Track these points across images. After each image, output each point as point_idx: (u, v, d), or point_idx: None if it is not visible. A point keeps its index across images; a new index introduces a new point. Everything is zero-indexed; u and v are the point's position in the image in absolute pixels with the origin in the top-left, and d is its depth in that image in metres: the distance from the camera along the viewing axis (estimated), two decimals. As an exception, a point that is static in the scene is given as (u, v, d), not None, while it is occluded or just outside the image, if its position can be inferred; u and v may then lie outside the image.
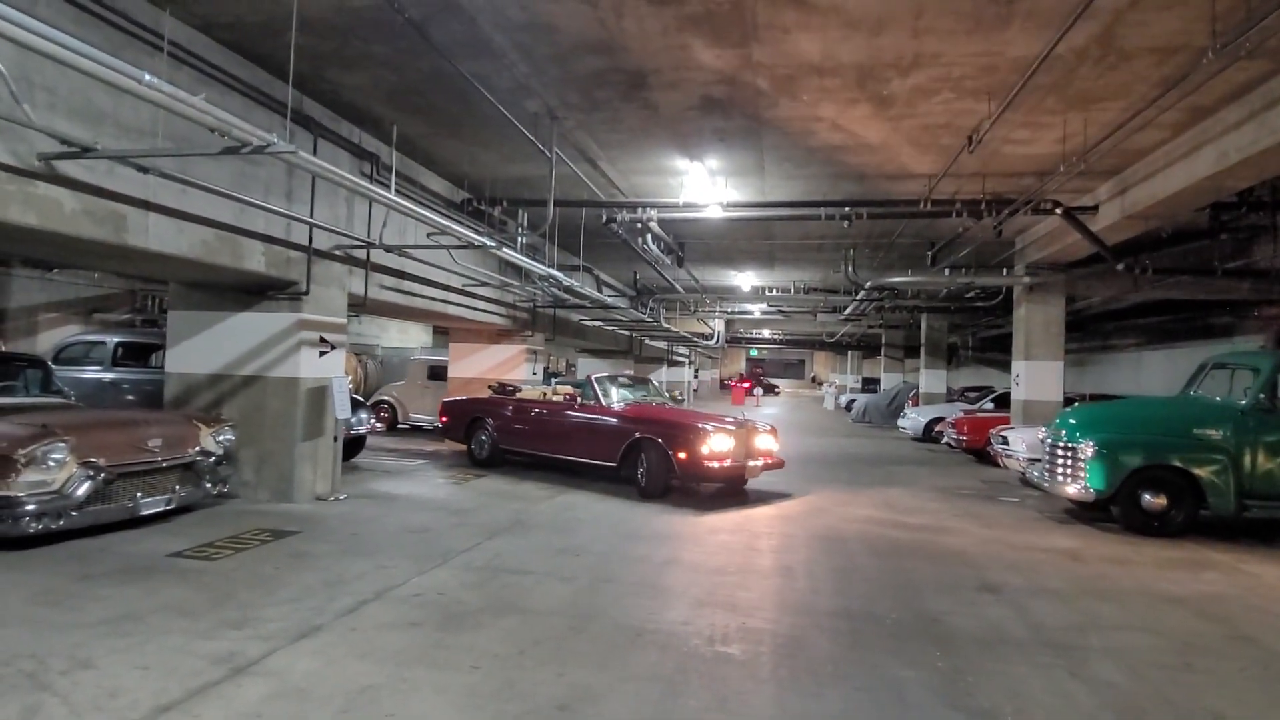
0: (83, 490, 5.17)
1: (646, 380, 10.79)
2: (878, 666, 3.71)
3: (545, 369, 23.88)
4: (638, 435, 8.43)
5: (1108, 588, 5.34)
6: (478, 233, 8.48)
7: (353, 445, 10.35)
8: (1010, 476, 10.76)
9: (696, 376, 42.72)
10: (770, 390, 49.18)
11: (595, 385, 9.34)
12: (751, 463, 8.40)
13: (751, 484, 9.23)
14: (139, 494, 5.67)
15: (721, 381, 55.53)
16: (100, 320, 16.17)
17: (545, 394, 10.36)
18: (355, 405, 10.33)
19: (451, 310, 10.49)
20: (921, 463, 13.12)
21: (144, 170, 5.04)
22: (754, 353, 51.36)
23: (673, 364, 30.74)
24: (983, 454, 12.76)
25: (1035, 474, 8.68)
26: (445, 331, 17.21)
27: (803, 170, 8.99)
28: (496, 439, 10.21)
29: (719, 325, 26.52)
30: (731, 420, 8.73)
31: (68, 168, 4.85)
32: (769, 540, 6.45)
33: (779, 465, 8.98)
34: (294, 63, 6.45)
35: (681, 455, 7.97)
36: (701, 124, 7.58)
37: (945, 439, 14.92)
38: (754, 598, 4.77)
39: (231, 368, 7.36)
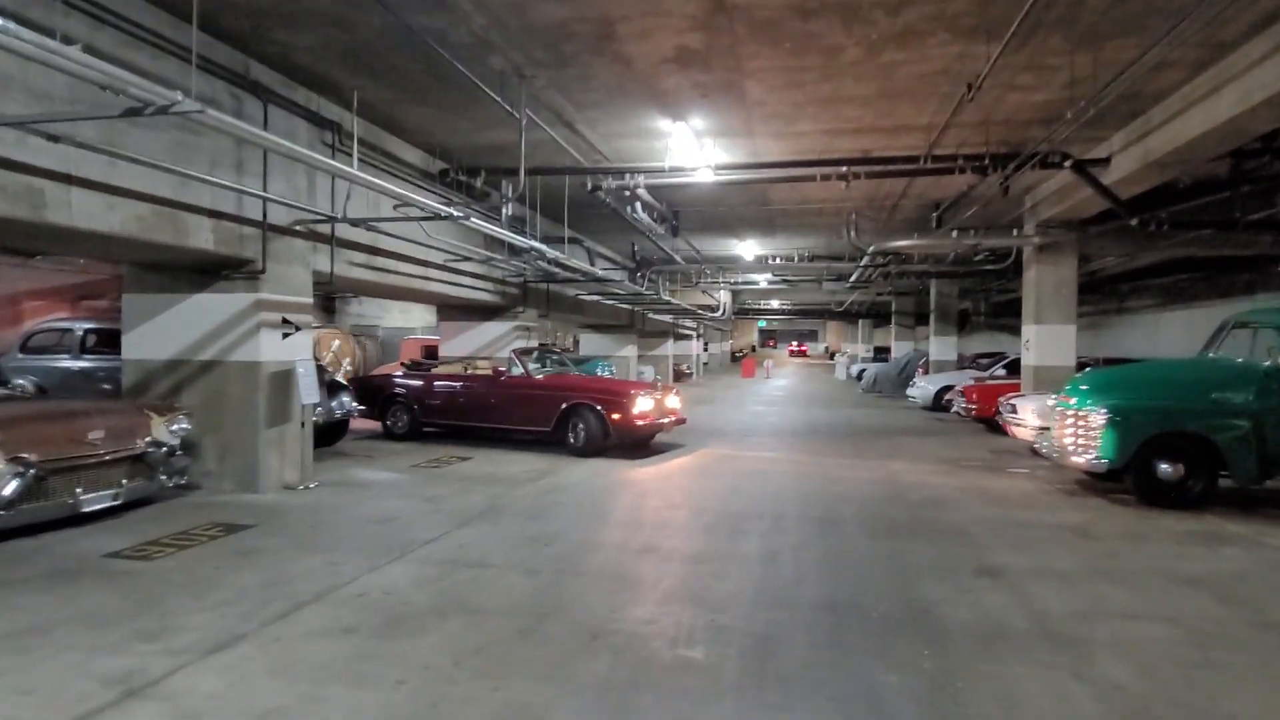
0: (10, 489, 4.84)
1: (556, 352, 11.92)
2: (857, 670, 3.31)
3: (544, 346, 23.54)
4: (572, 402, 9.51)
5: (1119, 567, 4.91)
6: (449, 203, 8.06)
7: (335, 430, 10.05)
8: (1020, 446, 10.29)
9: (706, 350, 42.28)
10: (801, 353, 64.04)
11: (520, 359, 10.32)
12: (664, 420, 9.83)
13: (749, 458, 8.84)
14: (79, 490, 5.34)
15: (733, 354, 55.11)
16: (88, 307, 15.90)
17: (465, 368, 11.13)
18: (336, 388, 10.00)
19: (433, 287, 10.08)
20: (929, 433, 12.67)
21: (54, 139, 4.61)
22: (763, 324, 50.76)
23: (679, 337, 30.31)
24: (993, 423, 12.28)
25: (1044, 444, 8.23)
26: (451, 310, 16.80)
27: (793, 127, 8.44)
28: (416, 413, 10.72)
29: (724, 297, 25.95)
30: (646, 385, 10.34)
31: (-31, 139, 4.45)
32: (758, 523, 6.06)
33: (682, 421, 10.44)
34: (235, 22, 6.03)
35: (615, 416, 9.20)
36: (680, 79, 7.05)
37: (955, 408, 14.44)
38: (730, 589, 4.38)
39: (190, 353, 7.00)
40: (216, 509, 6.15)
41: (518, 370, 10.21)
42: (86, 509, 5.40)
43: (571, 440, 9.46)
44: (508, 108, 7.12)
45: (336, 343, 17.34)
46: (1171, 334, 18.71)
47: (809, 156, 9.05)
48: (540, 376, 10.21)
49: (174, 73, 5.81)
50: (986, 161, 8.44)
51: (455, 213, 7.02)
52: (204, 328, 6.95)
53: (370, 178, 6.23)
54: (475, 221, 7.35)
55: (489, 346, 13.20)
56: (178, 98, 3.91)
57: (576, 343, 27.44)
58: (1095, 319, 23.39)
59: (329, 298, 23.97)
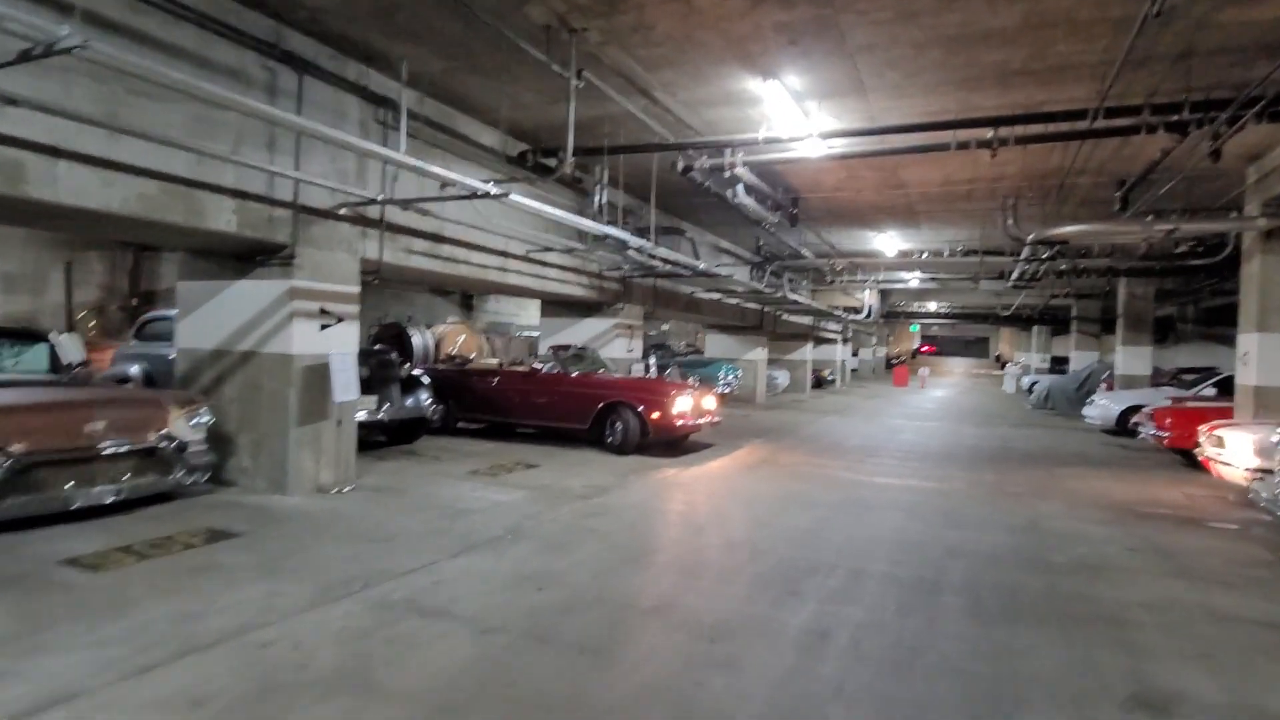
0: (-14, 481, 4.55)
1: (590, 350, 11.36)
2: None
3: (661, 346, 22.51)
4: (610, 400, 9.45)
5: (1390, 720, 3.07)
6: (518, 188, 7.28)
7: (412, 427, 9.65)
8: (1228, 491, 7.89)
9: (856, 355, 39.41)
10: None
11: (556, 356, 10.34)
12: (700, 420, 9.69)
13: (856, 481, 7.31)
14: (70, 485, 5.02)
15: (888, 360, 51.43)
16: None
17: (500, 364, 11.41)
18: (412, 384, 9.61)
19: (511, 280, 9.39)
20: (1103, 464, 10.28)
21: (12, 102, 4.22)
22: (914, 328, 46.84)
23: (821, 341, 28.19)
24: (1193, 456, 9.70)
25: (1264, 493, 6.08)
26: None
27: (915, 80, 6.81)
28: (450, 408, 10.59)
29: (869, 298, 23.65)
30: (684, 385, 10.14)
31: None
32: (825, 580, 4.66)
33: (717, 423, 10.31)
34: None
35: (655, 416, 9.14)
36: (758, 20, 5.75)
37: (1142, 434, 11.75)
38: (733, 692, 3.10)
39: (230, 343, 6.70)
40: (225, 511, 5.71)
41: (552, 367, 10.16)
42: (78, 505, 5.08)
43: (609, 439, 9.39)
44: (556, 66, 6.18)
45: (461, 337, 17.50)
46: None
47: (942, 118, 7.33)
48: (575, 374, 10.11)
49: (193, 40, 5.43)
50: (1186, 114, 6.35)
51: (493, 190, 6.19)
52: (242, 317, 6.62)
53: (382, 148, 5.54)
54: (517, 199, 6.46)
55: (591, 344, 12.43)
56: (61, 32, 3.28)
57: (658, 345, 25.95)
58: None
59: (467, 295, 24.54)
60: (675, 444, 10.05)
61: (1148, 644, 3.77)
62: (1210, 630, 4.01)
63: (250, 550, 4.78)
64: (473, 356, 14.49)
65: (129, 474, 5.40)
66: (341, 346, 6.78)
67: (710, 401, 10.14)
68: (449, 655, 3.34)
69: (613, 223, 9.53)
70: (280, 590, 4.05)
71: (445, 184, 6.21)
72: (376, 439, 9.76)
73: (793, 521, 6.22)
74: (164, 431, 5.66)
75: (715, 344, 20.89)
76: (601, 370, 10.78)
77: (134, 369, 9.80)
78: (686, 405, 9.40)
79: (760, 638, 3.69)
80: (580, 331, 12.52)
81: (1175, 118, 6.42)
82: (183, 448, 5.69)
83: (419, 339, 14.61)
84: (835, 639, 3.70)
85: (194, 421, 5.89)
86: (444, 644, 3.46)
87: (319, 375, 6.61)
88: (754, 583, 4.54)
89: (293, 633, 3.50)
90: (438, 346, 15.51)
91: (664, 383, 10.26)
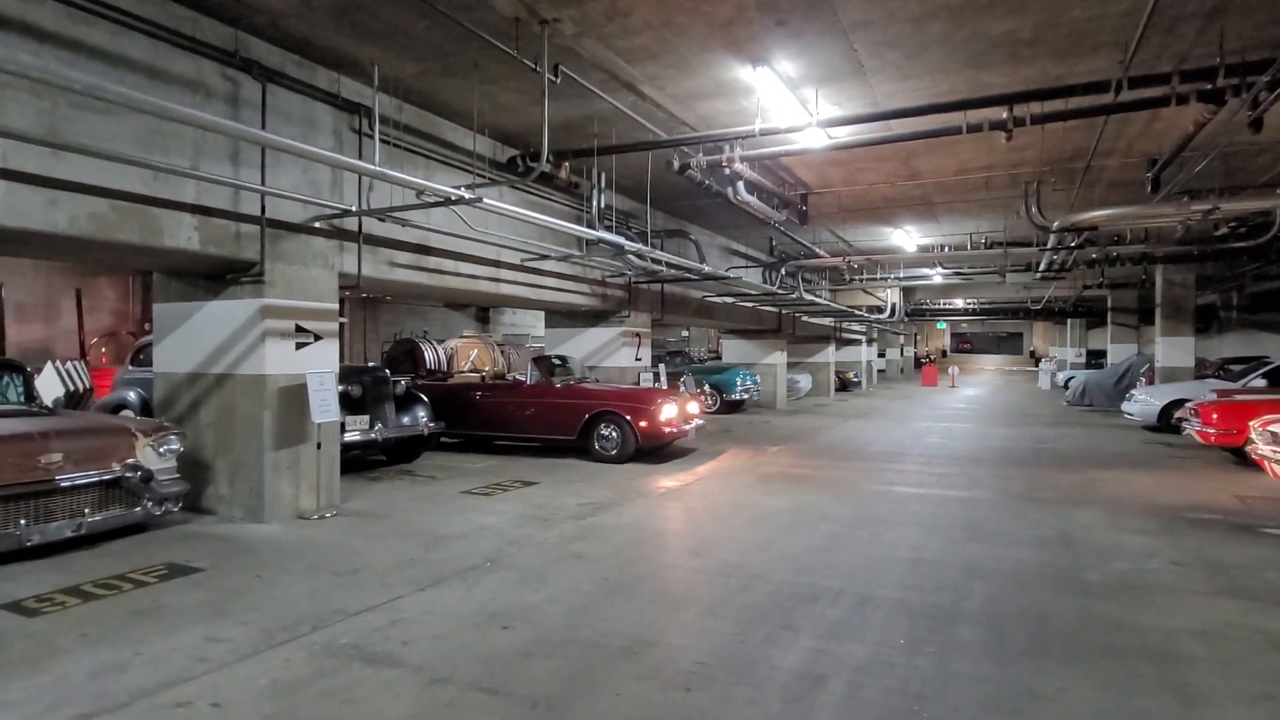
0: (-76, 520, 4.30)
1: (570, 359, 11.08)
2: None
3: (678, 353, 22.03)
4: (595, 410, 9.39)
5: None
6: (516, 197, 6.96)
7: (411, 445, 9.35)
8: (1286, 492, 7.22)
9: (882, 356, 38.52)
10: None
11: (538, 367, 10.18)
12: (686, 425, 9.78)
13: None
14: (24, 521, 4.76)
15: (916, 360, 50.32)
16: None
17: (483, 377, 11.41)
18: (410, 401, 9.32)
19: (504, 290, 9.04)
20: (1145, 465, 9.59)
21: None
22: (941, 325, 45.78)
23: (844, 343, 27.50)
24: (1245, 454, 9.00)
25: (1329, 497, 5.46)
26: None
27: (918, 59, 6.33)
28: None
29: (892, 296, 22.94)
30: (668, 392, 10.12)
31: None
32: (826, 610, 4.19)
33: (701, 427, 10.55)
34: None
35: (643, 424, 9.15)
36: (741, 0, 5.33)
37: (1186, 430, 11.02)
38: (703, 755, 2.67)
39: (205, 365, 6.43)
40: (192, 544, 5.42)
41: (536, 378, 10.07)
42: (35, 542, 4.81)
43: (598, 449, 9.38)
44: (527, 61, 5.82)
45: (474, 351, 17.29)
46: None
47: (950, 99, 6.82)
48: (560, 384, 10.01)
49: (143, 50, 5.17)
50: (1220, 80, 5.79)
51: (466, 194, 5.85)
52: (217, 338, 6.35)
53: (346, 159, 5.25)
54: (491, 203, 6.12)
55: (597, 353, 12.08)
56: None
57: (713, 353, 25.47)
58: None
59: (484, 309, 24.35)
60: (680, 453, 9.86)
61: (1199, 684, 3.25)
62: (1272, 664, 3.46)
63: (205, 587, 4.46)
64: (486, 370, 14.30)
65: (89, 507, 5.13)
66: (319, 365, 6.48)
67: (694, 407, 10.27)
68: (382, 713, 2.95)
69: (610, 227, 9.19)
70: (220, 635, 3.70)
71: (420, 191, 5.91)
72: (375, 458, 9.51)
73: (799, 540, 5.74)
74: (129, 461, 5.39)
75: (732, 349, 20.38)
76: (584, 379, 10.64)
77: (131, 395, 9.64)
78: (673, 412, 9.39)
79: (744, 684, 3.24)
80: (586, 341, 12.17)
81: (1209, 85, 5.87)
82: (148, 477, 5.41)
83: (432, 354, 14.46)
84: (831, 685, 3.24)
85: (163, 449, 5.61)
86: (381, 699, 3.07)
87: (296, 396, 6.31)
88: (744, 615, 4.09)
89: (217, 688, 3.14)
90: (451, 361, 15.32)
91: (650, 390, 10.17)
